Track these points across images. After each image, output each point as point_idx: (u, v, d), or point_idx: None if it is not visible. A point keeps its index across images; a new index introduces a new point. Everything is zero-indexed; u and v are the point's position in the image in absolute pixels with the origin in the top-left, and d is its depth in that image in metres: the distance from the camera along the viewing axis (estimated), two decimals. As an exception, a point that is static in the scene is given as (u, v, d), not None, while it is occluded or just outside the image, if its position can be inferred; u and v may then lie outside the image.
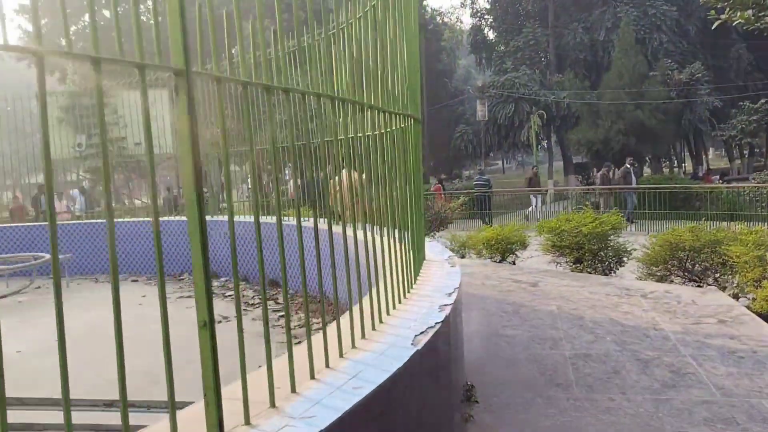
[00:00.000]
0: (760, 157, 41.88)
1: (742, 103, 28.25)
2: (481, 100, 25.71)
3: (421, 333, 2.44)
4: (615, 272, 7.92)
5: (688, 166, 41.51)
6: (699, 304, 5.74)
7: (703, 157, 39.72)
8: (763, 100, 27.33)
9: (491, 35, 38.63)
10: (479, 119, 26.74)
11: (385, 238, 2.89)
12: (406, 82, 3.81)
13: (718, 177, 26.30)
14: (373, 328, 2.46)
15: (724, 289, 6.35)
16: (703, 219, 14.41)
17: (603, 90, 26.00)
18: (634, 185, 17.71)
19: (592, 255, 7.88)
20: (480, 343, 4.88)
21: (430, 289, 3.34)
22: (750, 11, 12.99)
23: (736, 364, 4.09)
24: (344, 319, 2.20)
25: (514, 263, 9.35)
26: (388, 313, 2.67)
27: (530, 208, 19.21)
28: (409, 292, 3.14)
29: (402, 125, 3.50)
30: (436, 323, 2.57)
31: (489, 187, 19.12)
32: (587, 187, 24.03)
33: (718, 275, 6.54)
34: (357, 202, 3.51)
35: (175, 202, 16.29)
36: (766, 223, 13.72)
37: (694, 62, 27.50)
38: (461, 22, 57.27)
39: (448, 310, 2.81)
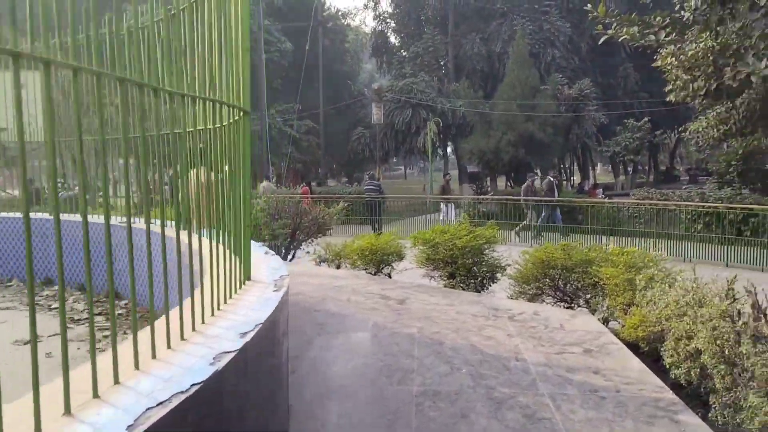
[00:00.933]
0: (642, 174, 44.56)
1: (626, 121, 29.66)
2: (377, 103, 25.31)
3: (159, 405, 1.72)
4: (488, 288, 7.55)
5: (578, 179, 43.43)
6: (566, 329, 5.38)
7: (591, 171, 41.62)
8: (646, 119, 28.82)
9: (393, 39, 38.60)
10: (374, 123, 26.34)
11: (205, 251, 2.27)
12: (232, 69, 3.17)
13: (601, 191, 27.41)
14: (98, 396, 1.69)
15: (595, 311, 6.05)
16: (581, 234, 14.72)
17: (496, 101, 26.39)
18: (556, 198, 17.78)
19: (466, 270, 7.45)
20: (318, 382, 4.21)
21: (227, 323, 2.61)
22: (635, 28, 13.31)
23: (597, 407, 3.65)
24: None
25: (389, 276, 8.81)
26: (140, 366, 1.91)
27: (441, 217, 18.81)
28: (205, 322, 2.40)
29: (228, 118, 3.00)
30: (191, 387, 1.85)
31: (379, 192, 18.64)
32: (481, 196, 24.20)
33: (589, 296, 6.25)
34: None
35: (37, 196, 14.60)
36: (643, 239, 14.17)
37: (584, 78, 28.54)
38: (366, 24, 57.08)
39: (223, 362, 2.10)
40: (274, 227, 10.16)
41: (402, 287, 7.41)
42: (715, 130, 13.51)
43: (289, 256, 10.72)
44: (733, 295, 4.14)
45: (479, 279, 7.44)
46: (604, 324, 5.79)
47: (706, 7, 12.44)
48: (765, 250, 12.08)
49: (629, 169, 36.31)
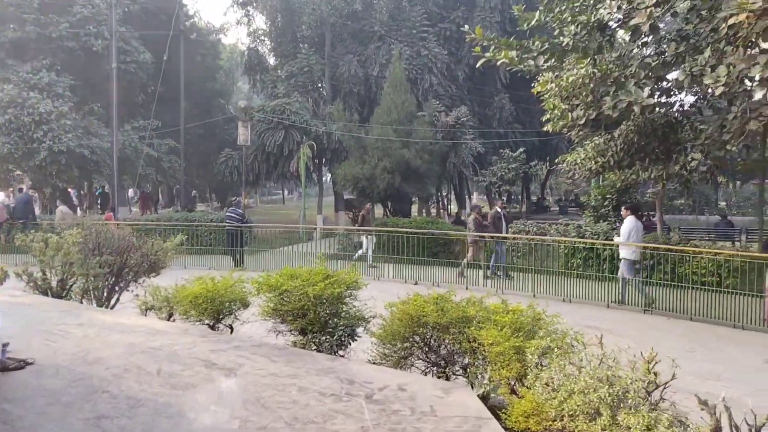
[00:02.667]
0: (515, 204, 45.78)
1: (503, 151, 29.94)
2: (243, 123, 23.56)
3: None
4: (347, 347, 6.21)
5: (454, 208, 43.76)
6: (438, 414, 4.12)
7: (468, 200, 42.05)
8: (521, 149, 29.23)
9: (267, 57, 37.03)
10: (240, 144, 24.53)
11: None
12: None
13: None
14: None
15: (473, 384, 4.87)
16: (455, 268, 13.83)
17: (373, 125, 25.54)
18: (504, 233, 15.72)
19: (320, 325, 6.07)
20: None
21: None
22: (514, 52, 12.80)
23: None
24: None
25: (231, 329, 7.24)
26: None
27: (359, 251, 17.07)
28: None
29: None
30: None
31: (241, 221, 16.91)
32: (356, 227, 23.09)
33: (467, 362, 5.07)
34: None
35: None
36: (521, 274, 13.54)
37: (462, 106, 28.51)
38: (243, 43, 55.03)
39: None
40: (91, 265, 8.28)
41: (239, 348, 5.89)
42: (593, 162, 13.23)
43: (112, 301, 8.83)
44: (656, 382, 3.09)
45: (336, 336, 6.07)
46: (484, 401, 4.62)
47: (585, 34, 12.13)
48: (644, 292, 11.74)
49: (504, 198, 36.94)
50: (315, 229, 23.91)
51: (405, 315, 5.30)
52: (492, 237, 14.58)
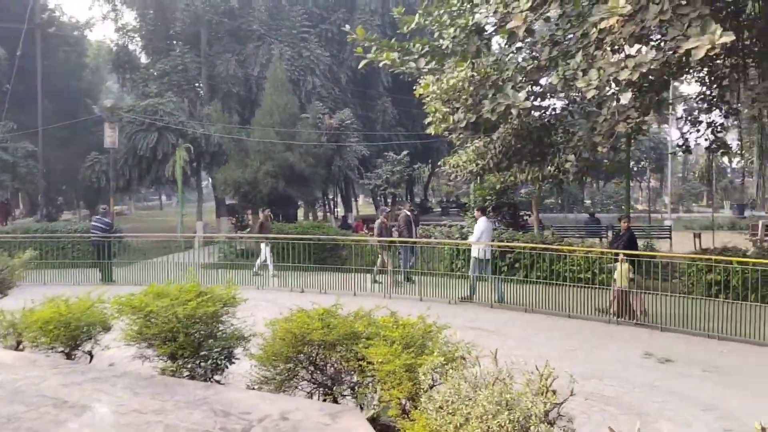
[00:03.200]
0: (400, 206, 46.23)
1: (387, 154, 30.04)
2: (110, 123, 21.91)
3: None
4: (225, 370, 5.69)
5: (341, 212, 43.53)
6: (325, 447, 3.75)
7: (354, 204, 42.01)
8: (405, 152, 29.46)
9: (138, 54, 34.96)
10: (108, 146, 22.83)
11: None
12: None
13: (365, 226, 27.14)
14: None
15: (363, 406, 4.54)
16: (345, 273, 13.55)
17: (254, 127, 24.68)
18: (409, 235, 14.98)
19: (192, 349, 5.50)
20: None
21: None
22: (396, 54, 12.69)
23: None
24: None
25: (91, 356, 6.48)
26: None
27: (258, 260, 15.74)
28: None
29: None
30: None
31: (109, 231, 15.62)
32: (243, 235, 22.21)
33: (356, 381, 4.74)
34: None
35: None
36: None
37: (345, 109, 28.30)
38: (111, 40, 51.67)
39: None
40: None
41: (96, 380, 5.21)
42: (473, 164, 13.40)
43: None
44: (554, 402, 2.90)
45: (211, 360, 5.54)
46: (374, 422, 4.31)
47: (464, 37, 12.23)
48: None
49: (389, 201, 37.19)
50: (194, 237, 22.75)
51: (288, 333, 4.88)
52: (402, 241, 14.06)
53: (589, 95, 9.41)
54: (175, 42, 31.95)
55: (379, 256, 14.21)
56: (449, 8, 13.06)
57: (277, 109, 23.89)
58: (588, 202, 47.88)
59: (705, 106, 16.33)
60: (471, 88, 11.26)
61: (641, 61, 8.84)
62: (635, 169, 46.21)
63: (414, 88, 14.45)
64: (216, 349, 5.61)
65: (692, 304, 9.78)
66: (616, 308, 10.38)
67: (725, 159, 60.41)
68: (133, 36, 34.38)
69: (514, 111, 10.12)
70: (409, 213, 15.10)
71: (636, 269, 10.37)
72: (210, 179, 31.71)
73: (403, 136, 35.81)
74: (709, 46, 7.71)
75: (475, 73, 11.08)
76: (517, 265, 13.29)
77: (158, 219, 47.04)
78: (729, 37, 7.57)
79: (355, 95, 34.45)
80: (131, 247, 17.94)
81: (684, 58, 9.74)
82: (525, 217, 18.50)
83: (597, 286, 11.09)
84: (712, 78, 14.88)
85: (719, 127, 15.74)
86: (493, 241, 13.81)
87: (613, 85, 9.81)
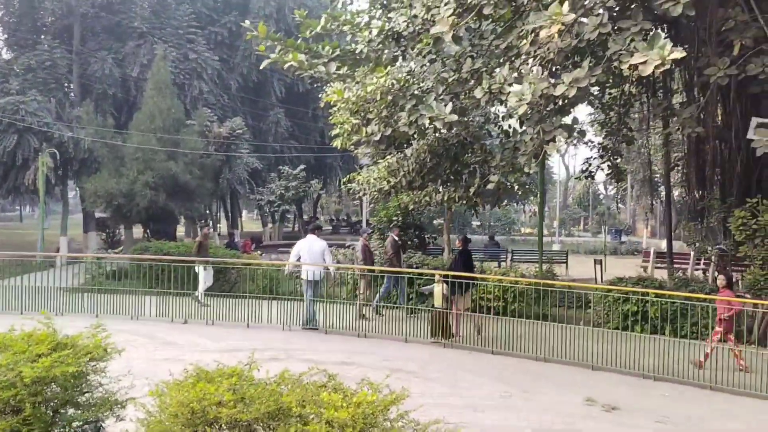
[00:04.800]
0: (287, 224, 44.62)
1: (282, 168, 28.52)
2: (-45, 121, 18.98)
3: None
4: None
5: (223, 227, 41.20)
6: None
7: (239, 220, 39.90)
8: (302, 167, 28.07)
9: (-1, 46, 31.29)
10: (-48, 148, 19.81)
11: None
12: None
13: (254, 245, 25.45)
14: None
15: None
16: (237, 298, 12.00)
17: (131, 132, 22.39)
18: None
19: (44, 424, 3.99)
20: None
21: None
22: (304, 56, 11.51)
23: None
24: None
25: None
26: None
27: (200, 288, 13.49)
28: None
29: None
30: None
31: None
32: (119, 255, 19.88)
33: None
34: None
35: None
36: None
37: (236, 117, 26.57)
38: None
39: None
40: None
41: None
42: (385, 182, 12.43)
43: None
44: None
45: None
46: None
47: (380, 42, 11.30)
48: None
49: (277, 217, 35.57)
50: (56, 255, 20.11)
51: (183, 407, 3.52)
52: (390, 271, 12.49)
53: (519, 111, 8.71)
54: (42, 36, 28.84)
55: (361, 282, 12.54)
56: (358, 16, 12.14)
57: (160, 114, 21.79)
58: (476, 224, 48.60)
59: (605, 131, 16.51)
60: (389, 98, 10.30)
61: (578, 77, 8.29)
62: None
63: (320, 96, 13.36)
64: (77, 423, 4.12)
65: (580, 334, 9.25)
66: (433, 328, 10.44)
67: (600, 186, 64.29)
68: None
69: (438, 124, 9.24)
70: (396, 238, 13.42)
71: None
72: (78, 189, 28.65)
73: (295, 149, 34.47)
74: (659, 62, 7.21)
75: (394, 81, 10.12)
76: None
77: (17, 232, 42.40)
78: (680, 53, 7.11)
79: (246, 104, 32.75)
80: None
81: (620, 75, 9.37)
82: (430, 240, 17.76)
83: (509, 316, 10.37)
84: (619, 102, 14.99)
85: (615, 155, 15.85)
86: (400, 265, 12.90)
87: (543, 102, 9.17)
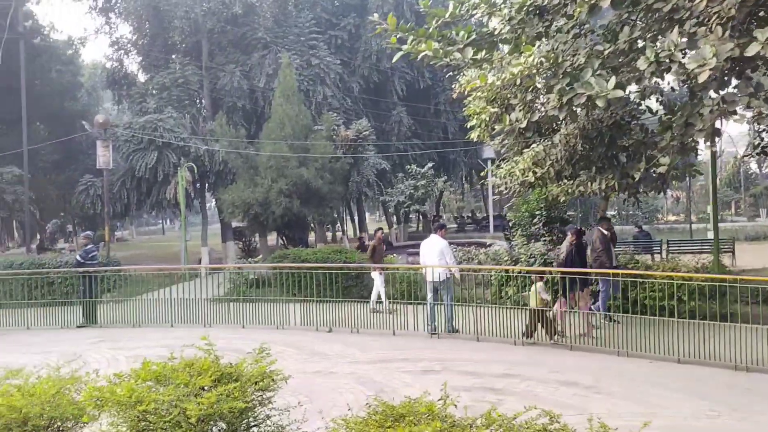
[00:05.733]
0: (410, 224, 44.08)
1: (409, 167, 28.09)
2: (102, 142, 20.11)
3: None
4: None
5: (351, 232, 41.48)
6: None
7: (365, 223, 40.03)
8: (429, 164, 27.47)
9: (133, 67, 33.38)
10: (101, 167, 21.04)
11: None
12: None
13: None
14: None
15: None
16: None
17: (263, 141, 22.76)
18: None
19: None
20: None
21: None
22: (437, 44, 10.84)
23: None
24: None
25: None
26: None
27: (374, 294, 13.23)
28: None
29: None
30: None
31: (81, 262, 13.73)
32: (255, 265, 20.22)
33: None
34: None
35: None
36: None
37: (362, 118, 26.44)
38: (106, 56, 50.16)
39: None
40: None
41: None
42: (530, 173, 11.44)
43: None
44: None
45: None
46: None
47: (520, 19, 10.37)
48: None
49: (403, 218, 35.22)
50: (199, 266, 20.83)
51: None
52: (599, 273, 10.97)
53: (701, 79, 7.51)
54: (174, 55, 30.31)
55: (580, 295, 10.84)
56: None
57: (289, 121, 21.99)
58: (610, 213, 45.68)
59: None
60: (538, 78, 9.37)
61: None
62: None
63: (440, 91, 12.65)
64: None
65: None
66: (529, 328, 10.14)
67: (752, 165, 58.35)
68: (129, 49, 32.77)
69: (600, 102, 8.20)
70: (606, 231, 11.72)
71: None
72: (215, 200, 29.86)
73: (418, 147, 33.98)
74: None
75: (543, 59, 9.16)
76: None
77: (161, 244, 45.27)
78: None
79: (368, 105, 32.69)
80: (130, 278, 15.99)
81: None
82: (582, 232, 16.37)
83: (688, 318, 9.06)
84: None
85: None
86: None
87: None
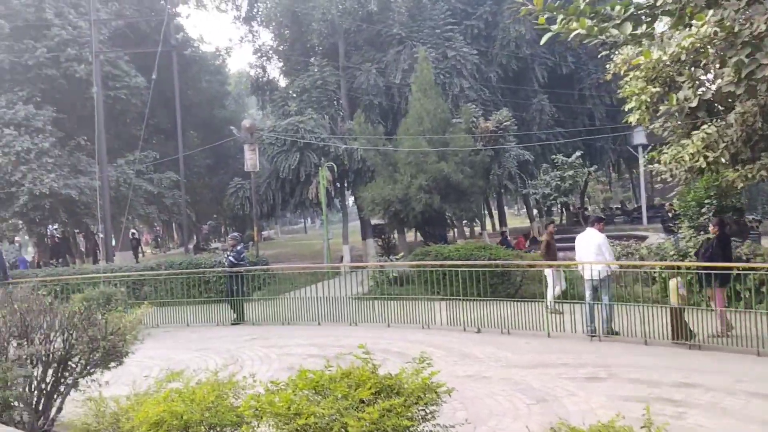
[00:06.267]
0: (554, 217, 42.24)
1: (555, 157, 26.92)
2: (250, 146, 20.97)
3: None
4: None
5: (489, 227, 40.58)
6: None
7: (504, 217, 39.00)
8: (577, 153, 26.15)
9: (275, 73, 34.85)
10: (249, 170, 21.98)
11: None
12: None
13: (527, 242, 24.30)
14: None
15: None
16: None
17: (401, 136, 22.72)
18: None
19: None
20: None
21: None
22: (590, 21, 10.04)
23: None
24: None
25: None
26: None
27: (549, 293, 12.38)
28: None
29: None
30: None
31: (234, 263, 14.18)
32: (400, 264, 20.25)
33: None
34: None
35: None
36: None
37: (502, 109, 25.64)
38: (250, 63, 53.00)
39: None
40: (5, 367, 5.61)
41: None
42: (701, 157, 10.29)
43: (52, 412, 6.12)
44: None
45: None
46: None
47: (688, -14, 9.32)
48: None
49: (547, 211, 33.78)
50: (341, 264, 21.18)
51: None
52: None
53: None
54: (312, 58, 31.21)
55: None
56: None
57: (427, 115, 21.77)
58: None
59: None
60: (711, 50, 8.36)
61: None
62: None
63: (597, 71, 11.70)
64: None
65: None
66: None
67: None
68: (271, 55, 34.23)
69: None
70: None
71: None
72: (354, 198, 30.41)
73: (562, 135, 32.49)
74: None
75: (718, 29, 8.15)
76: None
77: (304, 243, 46.95)
78: None
79: (506, 95, 31.73)
80: (277, 277, 16.53)
81: None
82: (755, 224, 14.80)
83: None
84: None
85: None
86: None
87: None
